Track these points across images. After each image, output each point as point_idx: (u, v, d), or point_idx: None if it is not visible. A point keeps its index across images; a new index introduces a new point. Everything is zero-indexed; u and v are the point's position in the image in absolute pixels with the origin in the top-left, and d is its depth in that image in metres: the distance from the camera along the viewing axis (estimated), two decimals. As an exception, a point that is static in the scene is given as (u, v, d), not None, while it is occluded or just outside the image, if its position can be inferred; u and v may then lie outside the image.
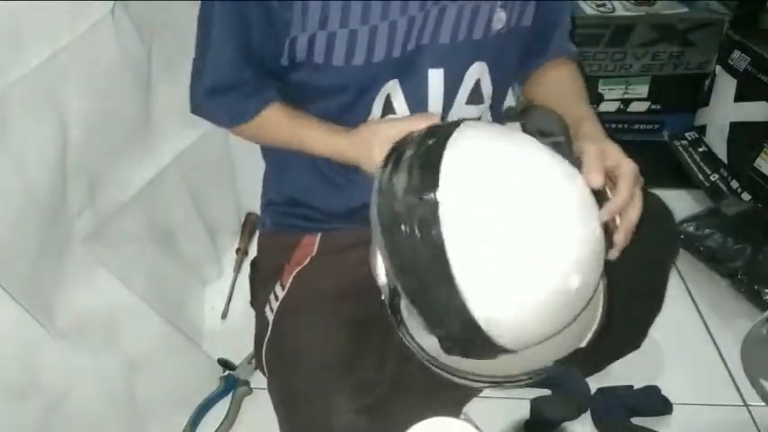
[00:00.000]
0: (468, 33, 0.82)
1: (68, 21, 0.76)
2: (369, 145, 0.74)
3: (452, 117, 0.88)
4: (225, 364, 1.08)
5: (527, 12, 0.87)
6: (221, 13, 0.79)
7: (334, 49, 0.78)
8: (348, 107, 0.84)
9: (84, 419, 0.82)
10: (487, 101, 0.91)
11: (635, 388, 1.05)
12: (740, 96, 1.43)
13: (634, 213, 0.74)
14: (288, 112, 0.85)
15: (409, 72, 0.83)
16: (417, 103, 0.86)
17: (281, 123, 0.86)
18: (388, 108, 0.86)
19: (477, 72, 0.87)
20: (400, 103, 0.86)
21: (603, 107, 1.61)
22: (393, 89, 0.84)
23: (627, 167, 0.75)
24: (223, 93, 0.84)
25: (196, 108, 0.88)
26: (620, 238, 0.73)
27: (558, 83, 0.94)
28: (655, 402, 1.03)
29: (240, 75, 0.82)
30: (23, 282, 0.73)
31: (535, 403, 1.02)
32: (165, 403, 0.97)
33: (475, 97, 0.89)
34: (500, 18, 0.83)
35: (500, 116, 0.96)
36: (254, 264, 1.09)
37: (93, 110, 0.83)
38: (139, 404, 0.92)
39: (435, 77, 0.84)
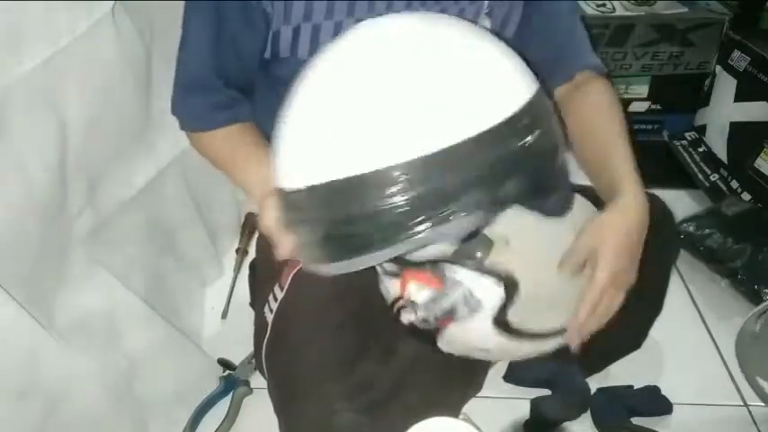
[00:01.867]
0: None
1: (68, 21, 0.76)
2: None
3: None
4: (225, 364, 1.08)
5: (511, 22, 0.86)
6: (197, 9, 0.78)
7: (320, 42, 0.77)
8: None
9: (84, 419, 0.82)
10: None
11: (635, 388, 1.05)
12: (740, 96, 1.43)
13: (593, 324, 0.74)
14: (248, 138, 0.83)
15: None
16: None
17: (233, 143, 0.83)
18: None
19: None
20: None
21: (603, 107, 1.62)
22: None
23: (597, 276, 0.71)
24: (193, 93, 0.82)
25: (172, 107, 0.86)
26: (572, 337, 0.75)
27: (581, 113, 0.86)
28: (655, 402, 1.03)
29: (209, 75, 0.80)
30: (23, 282, 0.73)
31: (535, 403, 1.02)
32: (164, 403, 0.97)
33: None
34: (484, 26, 0.84)
35: None
36: (252, 265, 1.09)
37: (93, 110, 0.83)
38: (139, 404, 0.92)
39: None
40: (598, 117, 0.85)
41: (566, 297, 0.76)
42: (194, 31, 0.80)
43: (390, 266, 0.74)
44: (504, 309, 0.70)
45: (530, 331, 0.73)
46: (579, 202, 0.84)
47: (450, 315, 0.71)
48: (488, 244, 0.91)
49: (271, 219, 0.67)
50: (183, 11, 0.81)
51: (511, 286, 0.69)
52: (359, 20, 0.76)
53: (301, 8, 0.76)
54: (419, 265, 0.71)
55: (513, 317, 0.72)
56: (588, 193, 0.84)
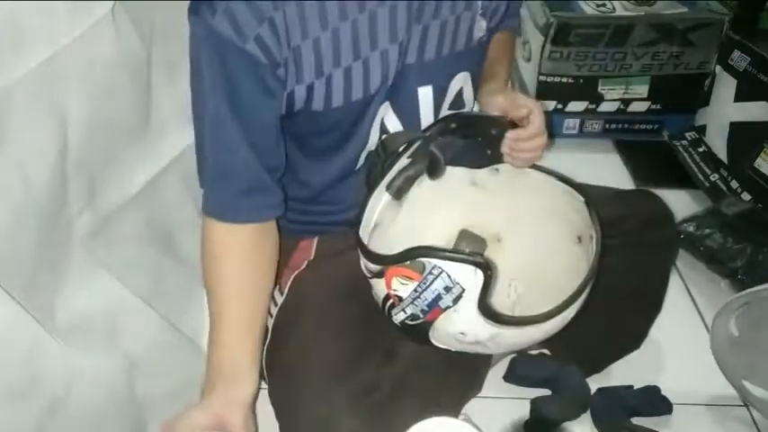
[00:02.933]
0: (452, 46, 0.83)
1: (68, 21, 0.76)
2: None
3: None
4: (225, 364, 1.08)
5: (498, 13, 0.88)
6: (212, 88, 0.75)
7: (333, 91, 0.77)
8: (349, 138, 0.85)
9: (84, 419, 0.82)
10: (468, 106, 0.91)
11: (635, 388, 1.05)
12: (740, 96, 1.43)
13: (537, 142, 0.86)
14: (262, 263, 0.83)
15: (398, 92, 0.84)
16: (410, 121, 0.87)
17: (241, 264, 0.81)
18: (383, 130, 0.86)
19: (461, 81, 0.88)
20: (394, 124, 0.86)
21: (603, 107, 1.62)
22: (386, 111, 0.84)
23: (533, 104, 0.86)
24: (222, 180, 0.80)
25: (214, 204, 0.83)
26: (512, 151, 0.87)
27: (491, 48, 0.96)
28: (655, 402, 1.03)
29: (244, 161, 0.78)
30: (23, 282, 0.73)
31: (535, 403, 1.02)
32: (164, 403, 0.97)
33: (457, 105, 0.90)
34: (481, 27, 0.85)
35: None
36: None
37: (93, 110, 0.83)
38: (139, 404, 0.92)
39: (425, 95, 0.85)
40: (495, 42, 0.97)
41: (555, 286, 0.79)
42: (213, 110, 0.76)
43: (373, 267, 0.75)
44: (485, 294, 0.70)
45: (515, 318, 0.74)
46: (571, 199, 0.85)
47: (436, 307, 0.72)
48: (482, 242, 0.92)
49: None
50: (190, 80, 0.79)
51: (488, 270, 0.70)
52: (365, 60, 0.77)
53: (312, 65, 0.75)
54: (400, 261, 0.72)
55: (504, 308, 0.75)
56: (584, 191, 0.85)
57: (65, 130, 0.78)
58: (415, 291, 0.72)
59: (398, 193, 0.86)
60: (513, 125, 0.86)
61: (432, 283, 0.71)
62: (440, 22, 0.81)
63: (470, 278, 0.70)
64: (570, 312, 0.76)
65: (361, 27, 0.75)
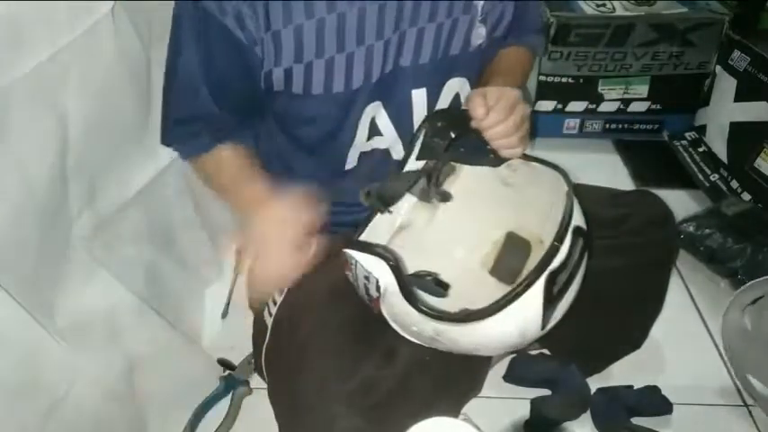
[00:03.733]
0: (446, 50, 0.83)
1: (68, 21, 0.76)
2: (265, 231, 0.74)
3: None
4: (225, 364, 1.08)
5: (503, 23, 0.87)
6: (187, 48, 0.79)
7: (312, 79, 0.79)
8: (333, 132, 0.85)
9: (84, 419, 0.82)
10: None
11: (635, 388, 1.05)
12: (740, 96, 1.43)
13: (502, 128, 0.79)
14: (240, 160, 0.86)
15: (391, 94, 0.84)
16: (402, 123, 0.87)
17: (226, 165, 0.86)
18: (373, 129, 0.86)
19: (457, 87, 0.88)
20: (385, 125, 0.86)
21: (603, 107, 1.62)
22: (377, 111, 0.85)
23: (507, 93, 0.79)
24: (188, 122, 0.84)
25: (163, 138, 0.89)
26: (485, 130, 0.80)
27: (497, 60, 0.94)
28: (655, 402, 1.03)
29: (207, 108, 0.82)
30: (23, 282, 0.73)
31: (535, 403, 1.02)
32: (164, 403, 0.97)
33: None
34: (480, 34, 0.85)
35: None
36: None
37: (93, 110, 0.83)
38: (139, 404, 0.92)
39: (419, 97, 0.86)
40: (505, 54, 0.95)
41: (488, 279, 0.81)
42: (186, 67, 0.80)
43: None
44: (402, 284, 0.72)
45: (441, 313, 0.73)
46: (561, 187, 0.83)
47: (369, 296, 0.75)
48: (527, 246, 0.92)
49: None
50: (168, 44, 0.81)
51: (393, 262, 0.71)
52: (349, 55, 0.77)
53: (291, 51, 0.76)
54: (342, 253, 0.76)
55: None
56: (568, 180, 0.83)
57: (65, 130, 0.78)
58: (353, 281, 0.76)
59: (444, 196, 0.87)
60: None
61: (355, 273, 0.74)
62: (435, 25, 0.80)
63: (383, 269, 0.72)
64: (523, 314, 0.73)
65: (349, 21, 0.76)
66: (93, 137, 0.83)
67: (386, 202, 0.84)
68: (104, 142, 0.87)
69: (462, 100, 0.90)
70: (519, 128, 0.79)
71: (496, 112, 0.77)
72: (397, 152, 0.90)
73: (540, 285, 0.71)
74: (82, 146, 0.81)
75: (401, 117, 0.86)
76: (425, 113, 0.87)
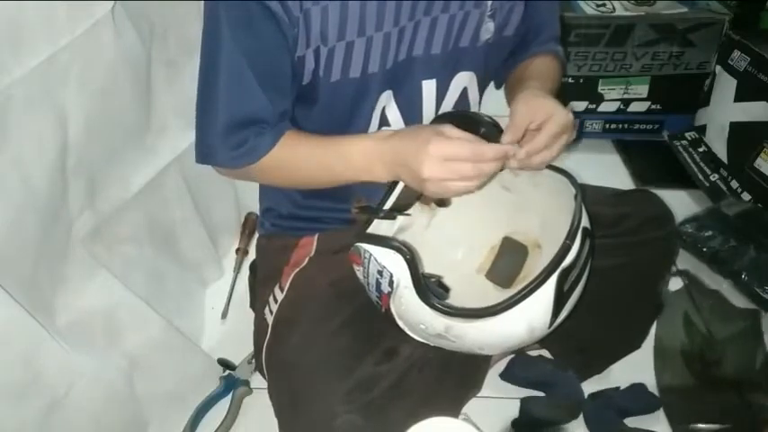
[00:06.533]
0: (456, 41, 0.83)
1: (68, 21, 0.76)
2: (424, 150, 0.70)
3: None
4: (225, 364, 1.08)
5: (511, 22, 0.87)
6: (232, 40, 0.74)
7: (333, 63, 0.78)
8: (347, 120, 0.85)
9: (84, 419, 0.82)
10: (474, 107, 0.91)
11: (621, 388, 1.04)
12: (740, 96, 1.43)
13: (538, 159, 0.76)
14: (302, 135, 0.81)
15: (403, 83, 0.84)
16: (411, 113, 0.87)
17: (300, 148, 0.81)
18: (383, 120, 0.86)
19: (465, 81, 0.88)
20: (394, 114, 0.86)
21: (603, 107, 1.62)
22: (387, 101, 0.85)
23: (557, 117, 0.75)
24: (241, 128, 0.78)
25: (207, 154, 0.80)
26: (512, 164, 0.75)
27: (525, 66, 0.93)
28: (641, 399, 1.03)
29: (261, 107, 0.77)
30: (23, 282, 0.73)
31: (525, 403, 1.02)
32: (164, 403, 0.97)
33: (461, 105, 0.90)
34: (488, 29, 0.85)
35: None
36: (252, 267, 1.09)
37: (93, 110, 0.83)
38: (139, 404, 0.92)
39: (428, 88, 0.86)
40: (534, 63, 0.92)
41: (484, 283, 0.80)
42: (231, 62, 0.75)
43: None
44: (417, 279, 0.72)
45: (455, 309, 0.73)
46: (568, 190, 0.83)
47: (380, 291, 0.75)
48: (524, 250, 0.92)
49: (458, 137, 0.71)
50: (202, 42, 0.77)
51: (406, 255, 0.71)
52: (369, 39, 0.77)
53: (318, 32, 0.75)
54: (354, 247, 0.76)
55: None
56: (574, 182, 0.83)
57: (65, 129, 0.78)
58: (363, 276, 0.76)
59: (441, 202, 0.87)
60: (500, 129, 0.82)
61: (368, 267, 0.74)
62: (448, 16, 0.81)
63: (397, 263, 0.72)
64: (534, 311, 0.73)
65: (370, 6, 0.76)
66: (93, 137, 0.83)
67: (399, 210, 0.83)
68: (104, 142, 0.88)
69: (470, 96, 0.90)
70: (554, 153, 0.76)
71: (545, 138, 0.74)
72: None
73: (552, 283, 0.72)
74: (82, 146, 0.81)
75: (411, 108, 0.86)
76: (434, 106, 0.87)
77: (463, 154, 0.70)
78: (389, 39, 0.79)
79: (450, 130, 0.72)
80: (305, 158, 0.81)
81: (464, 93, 0.90)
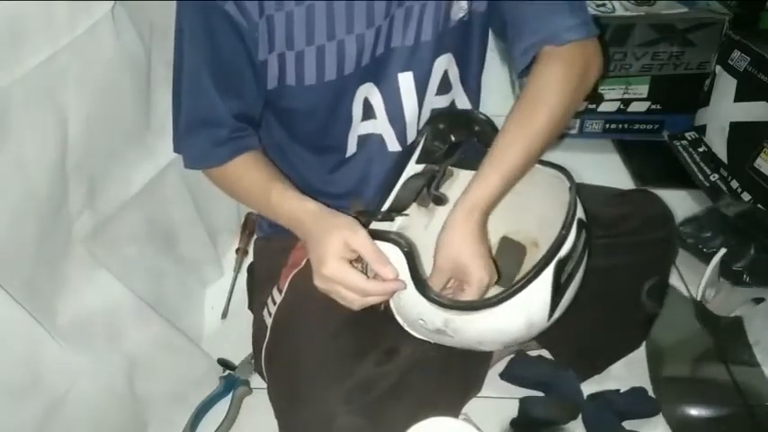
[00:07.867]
0: (433, 30, 0.83)
1: (68, 21, 0.76)
2: (327, 244, 0.73)
3: (424, 110, 0.89)
4: (225, 364, 1.08)
5: None
6: (191, 42, 0.78)
7: (305, 68, 0.79)
8: (330, 118, 0.85)
9: (84, 419, 0.82)
10: (456, 86, 0.91)
11: (622, 391, 1.04)
12: (740, 96, 1.43)
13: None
14: (262, 165, 0.84)
15: (381, 75, 0.84)
16: (393, 105, 0.86)
17: (252, 175, 0.84)
18: (367, 110, 0.86)
19: (444, 64, 0.87)
20: (378, 105, 0.86)
21: (603, 107, 1.62)
22: (370, 91, 0.84)
23: (473, 282, 0.75)
24: (198, 129, 0.82)
25: (175, 145, 0.86)
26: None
27: (524, 91, 0.82)
28: (641, 404, 1.03)
29: (215, 110, 0.80)
30: (24, 282, 0.73)
31: (524, 403, 1.02)
32: (164, 403, 0.97)
33: (443, 87, 0.89)
34: (461, 6, 0.83)
35: (475, 95, 0.95)
36: (250, 269, 1.09)
37: (93, 110, 0.83)
38: (139, 404, 0.92)
39: (405, 81, 0.85)
40: (510, 117, 0.80)
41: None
42: (191, 64, 0.80)
43: None
44: (415, 273, 0.72)
45: (455, 302, 0.74)
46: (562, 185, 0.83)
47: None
48: (522, 250, 0.92)
49: (368, 242, 0.72)
50: (173, 44, 0.81)
51: (407, 248, 0.72)
52: (340, 42, 0.77)
53: (283, 37, 0.77)
54: None
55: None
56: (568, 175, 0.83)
57: (65, 129, 0.78)
58: (362, 271, 0.76)
59: (438, 200, 0.86)
60: (494, 128, 0.83)
61: (366, 261, 0.74)
62: (419, 5, 0.80)
63: (397, 256, 0.72)
64: (532, 302, 0.73)
65: (338, 8, 0.76)
66: (93, 137, 0.83)
67: (397, 210, 0.84)
68: (104, 142, 0.88)
69: (451, 77, 0.90)
70: None
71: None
72: (391, 139, 0.89)
73: (549, 273, 0.72)
74: (82, 146, 0.81)
75: (390, 99, 0.86)
76: (414, 96, 0.86)
77: (350, 285, 0.72)
78: (363, 40, 0.78)
79: (359, 240, 0.72)
80: (247, 189, 0.85)
81: (445, 76, 0.89)
